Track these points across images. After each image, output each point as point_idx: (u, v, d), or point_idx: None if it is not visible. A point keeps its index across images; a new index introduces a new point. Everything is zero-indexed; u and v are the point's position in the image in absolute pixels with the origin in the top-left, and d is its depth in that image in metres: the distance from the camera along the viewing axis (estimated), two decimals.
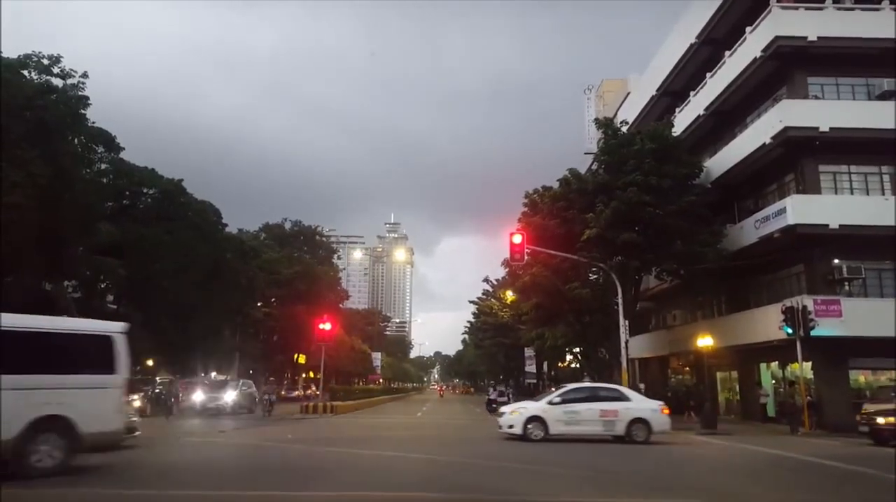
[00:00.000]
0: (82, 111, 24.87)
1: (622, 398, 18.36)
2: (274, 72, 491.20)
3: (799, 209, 24.72)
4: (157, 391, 29.29)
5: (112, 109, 28.75)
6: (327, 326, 40.85)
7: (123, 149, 30.94)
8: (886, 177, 26.09)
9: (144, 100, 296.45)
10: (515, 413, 18.29)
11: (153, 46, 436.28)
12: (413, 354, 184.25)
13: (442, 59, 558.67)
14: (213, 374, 51.27)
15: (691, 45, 33.32)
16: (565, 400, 18.09)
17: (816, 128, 25.04)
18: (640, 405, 18.28)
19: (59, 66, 24.45)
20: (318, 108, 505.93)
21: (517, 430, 17.75)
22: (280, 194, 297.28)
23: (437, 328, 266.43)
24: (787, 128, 25.17)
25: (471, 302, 72.51)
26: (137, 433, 14.06)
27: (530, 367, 51.18)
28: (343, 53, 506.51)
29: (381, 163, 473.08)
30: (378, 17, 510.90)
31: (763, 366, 29.22)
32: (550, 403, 18.14)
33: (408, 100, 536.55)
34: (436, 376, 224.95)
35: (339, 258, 79.08)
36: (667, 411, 18.49)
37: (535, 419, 17.76)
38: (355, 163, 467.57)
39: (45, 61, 24.29)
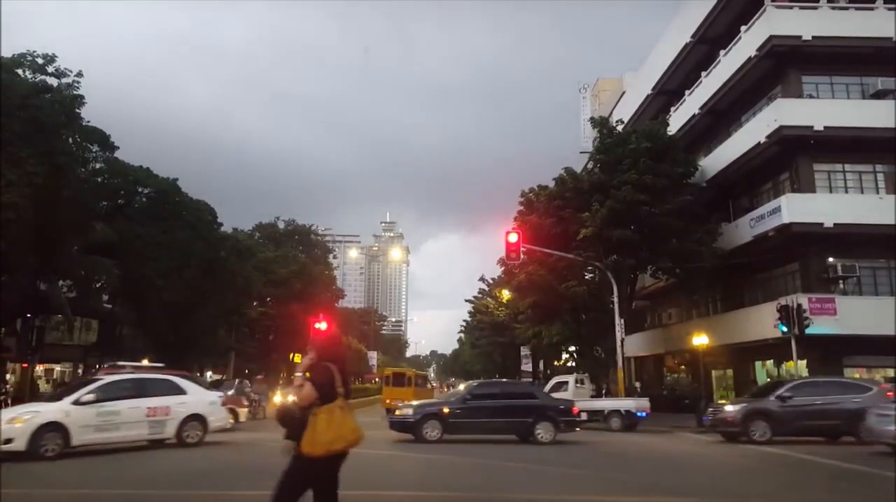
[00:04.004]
0: (77, 110, 24.80)
1: (176, 391, 15.21)
2: (261, 70, 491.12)
3: (794, 207, 24.83)
4: None
5: (98, 108, 28.40)
6: (323, 325, 40.78)
7: (118, 148, 30.83)
8: (881, 176, 26.24)
9: (127, 99, 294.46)
10: (19, 421, 12.78)
11: (134, 44, 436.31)
12: (409, 353, 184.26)
13: (434, 56, 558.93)
14: (209, 374, 51.21)
15: (686, 44, 33.41)
16: (101, 398, 13.82)
17: (811, 127, 25.15)
18: (197, 398, 15.50)
19: (54, 65, 24.38)
20: (308, 107, 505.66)
21: (19, 445, 12.40)
22: (274, 194, 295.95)
23: (433, 327, 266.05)
24: (781, 127, 25.27)
25: (467, 300, 72.58)
26: None
27: (526, 366, 51.22)
28: (332, 50, 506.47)
29: (370, 161, 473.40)
30: (369, 15, 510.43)
31: (758, 364, 29.31)
32: (78, 402, 13.51)
33: (399, 98, 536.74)
34: (432, 375, 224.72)
35: (334, 257, 79.01)
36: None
37: (50, 427, 12.84)
38: (344, 161, 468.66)
39: (40, 60, 24.21)
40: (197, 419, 15.07)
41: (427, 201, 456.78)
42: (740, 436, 17.58)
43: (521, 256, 26.24)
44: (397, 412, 17.61)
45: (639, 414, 23.63)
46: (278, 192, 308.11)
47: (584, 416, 23.00)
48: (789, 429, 17.52)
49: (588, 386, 29.21)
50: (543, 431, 16.70)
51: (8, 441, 12.38)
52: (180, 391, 15.27)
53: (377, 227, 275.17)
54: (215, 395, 16.34)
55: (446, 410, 17.02)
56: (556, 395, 26.81)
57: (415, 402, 19.64)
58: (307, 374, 4.74)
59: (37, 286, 27.50)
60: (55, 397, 14.96)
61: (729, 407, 18.54)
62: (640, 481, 10.89)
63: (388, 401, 32.61)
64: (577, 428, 18.08)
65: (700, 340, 28.15)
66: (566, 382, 28.24)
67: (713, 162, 30.52)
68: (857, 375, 25.54)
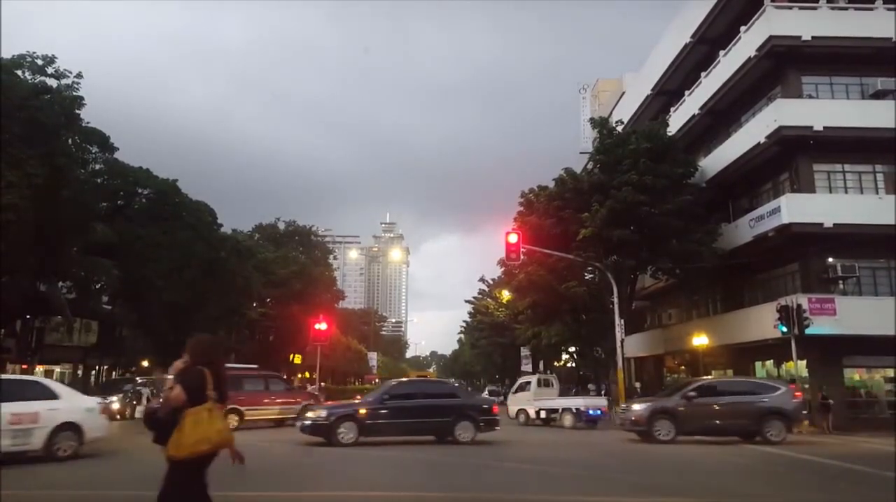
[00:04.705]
0: (77, 111, 24.82)
1: (46, 395, 12.90)
2: (260, 70, 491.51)
3: (793, 208, 24.83)
4: (137, 390, 28.21)
5: (98, 108, 28.32)
6: (323, 326, 40.89)
7: (118, 149, 30.88)
8: (880, 176, 26.24)
9: (127, 100, 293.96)
10: None
11: (133, 44, 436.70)
12: (409, 354, 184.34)
13: (433, 56, 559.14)
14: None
15: (686, 45, 33.41)
16: None
17: (811, 128, 25.15)
18: (71, 404, 13.10)
19: (54, 66, 24.41)
20: (307, 107, 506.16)
21: None
22: (274, 194, 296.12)
23: (433, 328, 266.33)
24: (781, 128, 25.26)
25: (467, 301, 72.63)
26: None
27: (526, 367, 51.16)
28: (332, 50, 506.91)
29: (370, 161, 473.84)
30: (369, 15, 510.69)
31: (758, 364, 29.29)
32: None
33: (399, 98, 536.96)
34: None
35: (334, 258, 78.93)
36: (110, 412, 14.06)
37: None
38: (344, 162, 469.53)
39: (40, 61, 24.25)
40: (71, 428, 12.64)
41: (427, 202, 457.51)
42: (647, 435, 17.63)
43: (521, 257, 26.26)
44: (308, 414, 16.53)
45: (590, 411, 24.30)
46: (278, 193, 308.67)
47: (543, 414, 25.56)
48: (694, 428, 17.64)
49: (556, 386, 30.17)
50: (463, 431, 16.29)
51: None
52: (52, 395, 12.94)
53: (377, 228, 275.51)
54: (92, 401, 13.98)
55: (363, 411, 16.06)
56: (520, 395, 28.79)
57: (329, 403, 19.19)
58: (175, 377, 4.78)
59: (37, 287, 27.53)
60: None
61: (636, 407, 18.66)
62: (639, 481, 10.89)
63: None
64: (497, 427, 17.48)
65: (700, 340, 28.16)
66: (530, 382, 29.33)
67: (713, 162, 30.52)
68: (857, 376, 25.63)
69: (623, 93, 47.67)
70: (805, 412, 18.78)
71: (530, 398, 27.64)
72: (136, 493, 9.33)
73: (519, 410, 27.84)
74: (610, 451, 15.91)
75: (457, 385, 21.10)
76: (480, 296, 67.25)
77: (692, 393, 17.91)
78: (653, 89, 38.31)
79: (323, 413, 16.02)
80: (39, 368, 34.22)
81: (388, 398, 16.50)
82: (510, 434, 19.78)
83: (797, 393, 18.35)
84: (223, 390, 4.92)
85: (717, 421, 17.63)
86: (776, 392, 18.08)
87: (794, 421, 17.83)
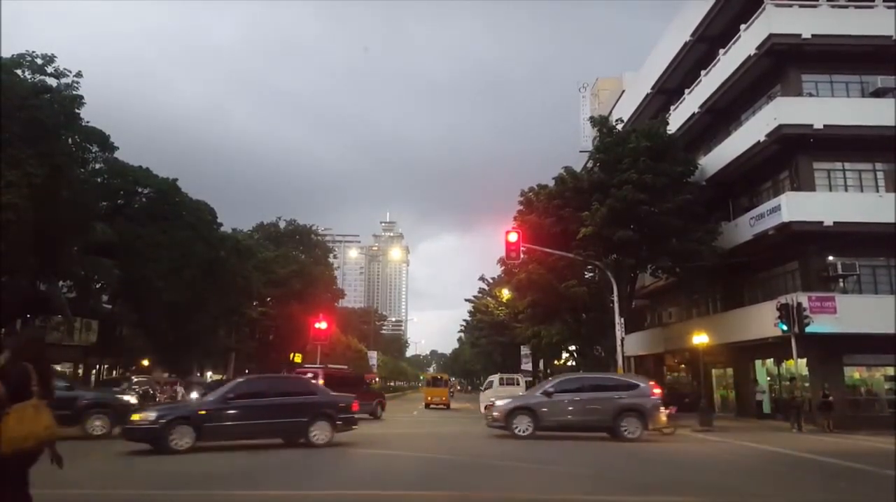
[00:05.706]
0: (77, 110, 24.80)
1: None
2: (260, 70, 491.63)
3: (793, 206, 24.83)
4: (133, 389, 27.90)
5: (96, 108, 28.20)
6: (323, 325, 40.86)
7: (118, 148, 30.86)
8: (880, 174, 26.24)
9: (125, 99, 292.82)
10: None
11: (132, 44, 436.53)
12: (409, 352, 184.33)
13: (433, 56, 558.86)
14: (209, 374, 51.24)
15: (686, 43, 33.41)
16: None
17: (811, 126, 25.15)
18: None
19: (53, 65, 24.40)
20: (308, 107, 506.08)
21: None
22: (274, 194, 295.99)
23: (433, 326, 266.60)
24: (781, 126, 25.26)
25: (467, 300, 72.64)
26: None
27: (526, 366, 51.22)
28: (332, 50, 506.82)
29: (370, 161, 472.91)
30: (369, 15, 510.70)
31: (758, 362, 29.32)
32: None
33: (399, 98, 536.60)
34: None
35: (334, 257, 78.91)
36: None
37: None
38: (344, 162, 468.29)
39: (39, 61, 24.23)
40: None
41: (426, 201, 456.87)
42: (508, 431, 17.63)
43: (521, 255, 26.25)
44: (134, 417, 14.41)
45: None
46: (278, 193, 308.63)
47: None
48: (552, 424, 17.72)
49: (522, 384, 32.16)
50: (319, 432, 14.80)
51: None
52: None
53: (377, 227, 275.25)
54: None
55: (201, 412, 14.18)
56: (487, 392, 30.86)
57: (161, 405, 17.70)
58: None
59: (37, 287, 27.51)
60: None
61: (498, 403, 18.79)
62: (639, 480, 10.90)
63: (428, 399, 42.79)
64: (355, 427, 16.10)
65: (700, 339, 28.14)
66: (493, 381, 32.21)
67: (713, 160, 30.52)
68: (857, 374, 25.64)
69: (623, 91, 47.67)
70: (664, 409, 18.72)
71: (492, 395, 29.37)
72: (136, 492, 9.33)
73: (486, 406, 28.72)
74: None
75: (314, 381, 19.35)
76: (480, 294, 67.25)
77: (551, 390, 18.10)
78: (653, 88, 38.31)
79: (152, 415, 14.01)
80: None
81: (232, 397, 14.66)
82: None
83: (654, 391, 18.38)
84: (50, 386, 4.94)
85: (575, 418, 17.75)
86: (634, 389, 18.22)
87: (650, 418, 17.77)
